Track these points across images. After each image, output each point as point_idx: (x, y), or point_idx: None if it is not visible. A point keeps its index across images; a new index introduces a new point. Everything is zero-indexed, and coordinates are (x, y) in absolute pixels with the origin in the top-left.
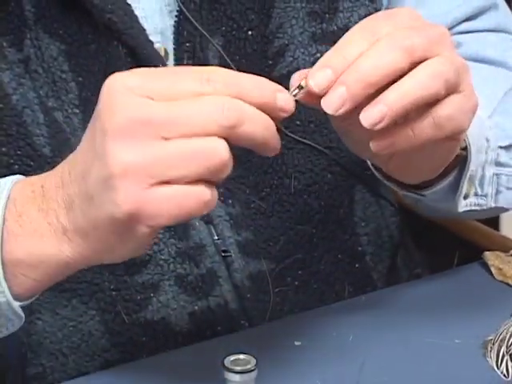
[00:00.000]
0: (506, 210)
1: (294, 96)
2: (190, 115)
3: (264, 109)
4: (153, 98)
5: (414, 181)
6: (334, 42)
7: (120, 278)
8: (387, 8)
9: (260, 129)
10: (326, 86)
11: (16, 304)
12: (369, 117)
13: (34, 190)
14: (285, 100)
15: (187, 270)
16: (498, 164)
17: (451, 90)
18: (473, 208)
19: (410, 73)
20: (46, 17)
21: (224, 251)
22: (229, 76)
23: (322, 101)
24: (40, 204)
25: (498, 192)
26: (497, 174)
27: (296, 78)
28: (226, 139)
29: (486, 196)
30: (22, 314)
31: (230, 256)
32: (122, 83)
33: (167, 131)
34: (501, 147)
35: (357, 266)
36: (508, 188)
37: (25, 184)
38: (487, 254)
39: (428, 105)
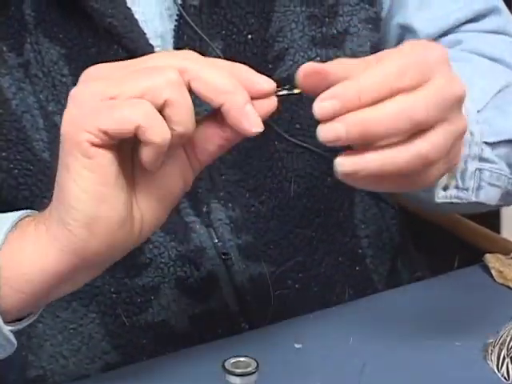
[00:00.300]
0: (488, 206)
1: (279, 91)
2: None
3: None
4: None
5: None
6: (334, 46)
7: (120, 280)
8: (389, 11)
9: (210, 89)
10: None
11: (6, 328)
12: (325, 132)
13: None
14: (259, 83)
15: (187, 273)
16: (482, 159)
17: (424, 127)
18: (453, 200)
19: (379, 105)
20: (46, 21)
21: (224, 254)
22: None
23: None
24: (38, 220)
25: (479, 187)
26: (480, 169)
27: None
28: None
29: (467, 190)
30: (14, 341)
31: (231, 259)
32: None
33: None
34: (486, 143)
35: (357, 268)
36: (490, 184)
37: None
38: (488, 256)
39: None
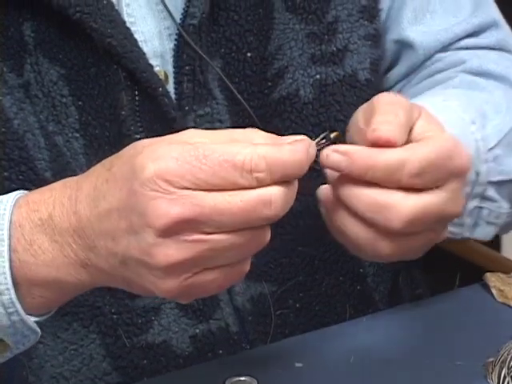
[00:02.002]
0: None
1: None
2: (235, 214)
3: None
4: (192, 188)
5: None
6: (334, 63)
7: (121, 301)
8: (384, 25)
9: (293, 201)
10: (332, 167)
11: (31, 320)
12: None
13: (42, 218)
14: (312, 156)
15: None
16: (484, 198)
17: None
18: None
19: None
20: (46, 41)
21: None
22: (270, 160)
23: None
24: (52, 235)
25: (476, 224)
26: (479, 207)
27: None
28: None
29: (462, 225)
30: (38, 330)
31: None
32: (159, 176)
33: (211, 228)
34: (491, 182)
35: (358, 287)
36: (488, 222)
37: (29, 211)
38: (488, 275)
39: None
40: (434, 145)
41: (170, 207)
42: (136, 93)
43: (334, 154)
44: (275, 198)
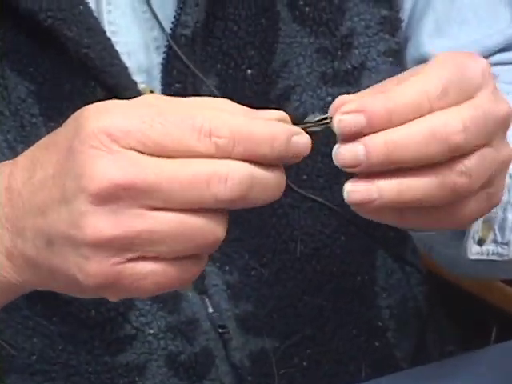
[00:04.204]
0: None
1: (313, 127)
2: (184, 186)
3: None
4: (140, 149)
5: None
6: (348, 83)
7: (100, 358)
8: (406, 35)
9: (270, 192)
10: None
11: None
12: (341, 154)
13: None
14: (300, 145)
15: (179, 348)
16: None
17: (461, 152)
18: (490, 257)
19: (406, 125)
20: (14, 52)
21: (221, 327)
22: (234, 127)
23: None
24: None
25: None
26: None
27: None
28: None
29: (507, 244)
30: None
31: (228, 332)
32: (102, 130)
33: (155, 201)
34: None
35: (376, 343)
36: None
37: None
38: None
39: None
40: (438, 61)
41: (108, 168)
42: None
43: (347, 117)
44: (233, 173)
